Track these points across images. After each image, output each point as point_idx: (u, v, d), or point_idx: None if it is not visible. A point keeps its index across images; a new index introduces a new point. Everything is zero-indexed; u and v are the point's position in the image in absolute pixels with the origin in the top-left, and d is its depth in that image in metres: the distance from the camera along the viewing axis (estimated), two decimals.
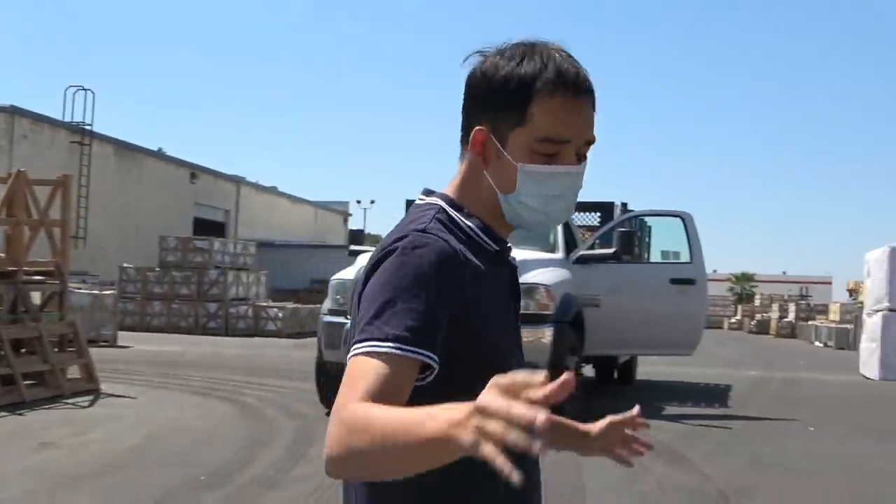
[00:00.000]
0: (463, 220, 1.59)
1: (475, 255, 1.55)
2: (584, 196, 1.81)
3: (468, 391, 1.18)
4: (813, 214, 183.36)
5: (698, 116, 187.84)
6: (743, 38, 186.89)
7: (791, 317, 44.59)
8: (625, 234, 11.06)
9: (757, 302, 53.25)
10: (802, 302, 49.67)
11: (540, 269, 9.91)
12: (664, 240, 15.26)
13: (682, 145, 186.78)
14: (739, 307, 55.44)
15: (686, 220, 11.25)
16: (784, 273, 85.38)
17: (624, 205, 15.00)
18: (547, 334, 9.45)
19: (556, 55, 1.55)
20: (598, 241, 11.80)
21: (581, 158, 1.56)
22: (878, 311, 18.72)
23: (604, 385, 14.12)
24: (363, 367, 1.37)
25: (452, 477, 1.37)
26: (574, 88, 1.53)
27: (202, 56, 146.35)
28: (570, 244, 11.34)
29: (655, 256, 15.97)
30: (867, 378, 18.32)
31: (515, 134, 1.54)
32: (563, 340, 9.62)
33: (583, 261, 10.82)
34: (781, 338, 41.63)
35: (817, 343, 35.11)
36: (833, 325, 35.26)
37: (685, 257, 11.38)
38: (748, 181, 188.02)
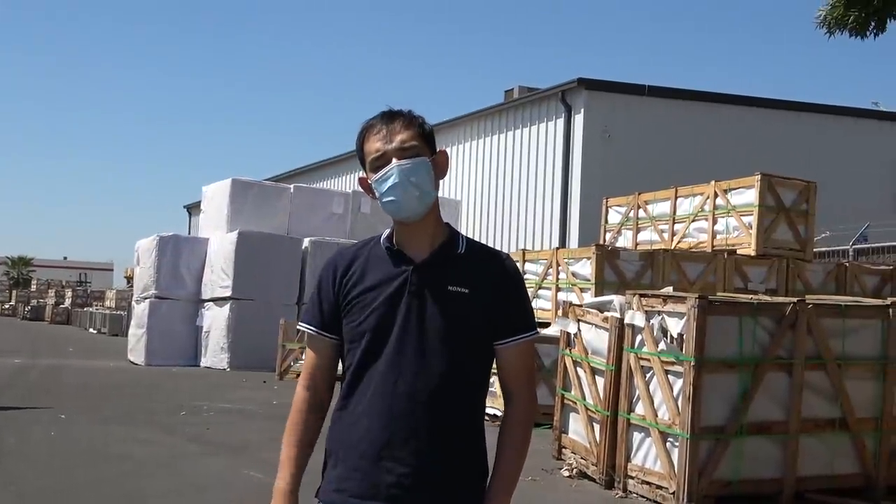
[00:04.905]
0: (384, 234, 2.47)
1: (373, 254, 2.44)
2: None
3: (359, 345, 2.37)
4: (93, 201, 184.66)
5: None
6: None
7: (68, 303, 44.48)
8: None
9: (34, 287, 52.33)
10: (80, 288, 49.93)
11: None
12: None
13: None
14: (14, 292, 53.85)
15: None
16: (65, 258, 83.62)
17: None
18: None
19: (379, 114, 2.44)
20: None
21: (401, 158, 2.34)
22: (145, 297, 19.60)
23: None
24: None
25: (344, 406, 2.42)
26: (373, 125, 2.41)
27: None
28: None
29: None
30: (134, 363, 19.05)
31: (366, 168, 2.43)
32: None
33: None
34: (56, 324, 41.32)
35: (92, 329, 35.54)
36: (108, 311, 36.00)
37: None
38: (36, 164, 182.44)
